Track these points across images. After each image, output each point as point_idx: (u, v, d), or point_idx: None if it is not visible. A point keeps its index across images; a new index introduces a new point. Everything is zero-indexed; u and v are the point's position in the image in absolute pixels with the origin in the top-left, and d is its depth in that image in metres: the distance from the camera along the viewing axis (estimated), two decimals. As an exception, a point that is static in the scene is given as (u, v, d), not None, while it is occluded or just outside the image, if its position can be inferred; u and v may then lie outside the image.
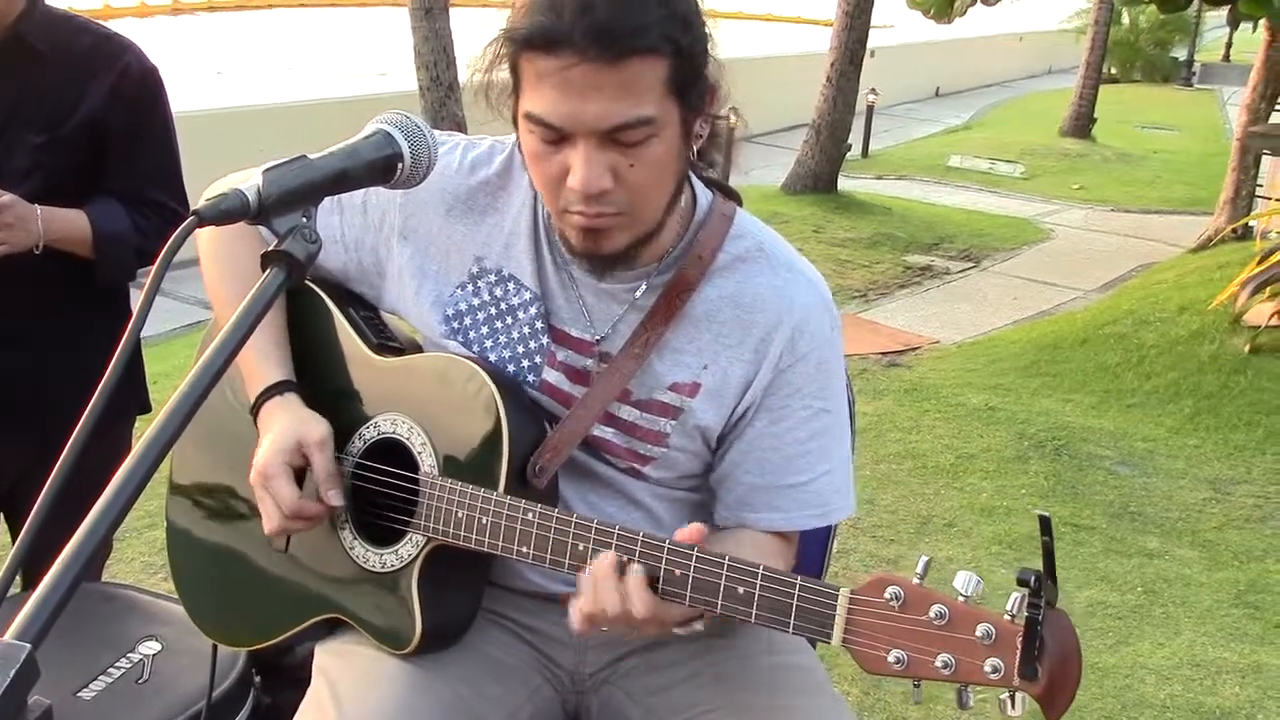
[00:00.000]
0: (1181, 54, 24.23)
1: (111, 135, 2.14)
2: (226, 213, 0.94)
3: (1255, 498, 4.71)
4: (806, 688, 1.54)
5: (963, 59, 22.16)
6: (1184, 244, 8.94)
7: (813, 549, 1.76)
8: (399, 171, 1.12)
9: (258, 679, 2.02)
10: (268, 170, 0.99)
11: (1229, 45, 27.30)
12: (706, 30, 1.39)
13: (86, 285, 2.17)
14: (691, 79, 1.35)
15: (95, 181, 2.16)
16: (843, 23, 9.95)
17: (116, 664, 1.97)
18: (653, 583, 1.32)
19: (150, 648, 2.02)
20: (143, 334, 0.91)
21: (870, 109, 13.56)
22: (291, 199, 0.98)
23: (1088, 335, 6.47)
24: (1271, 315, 6.05)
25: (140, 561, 3.63)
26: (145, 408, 2.44)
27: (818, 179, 10.22)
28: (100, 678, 1.93)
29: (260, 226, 1.02)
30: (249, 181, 0.99)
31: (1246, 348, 5.97)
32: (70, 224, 2.08)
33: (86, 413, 0.88)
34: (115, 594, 2.24)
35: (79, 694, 1.88)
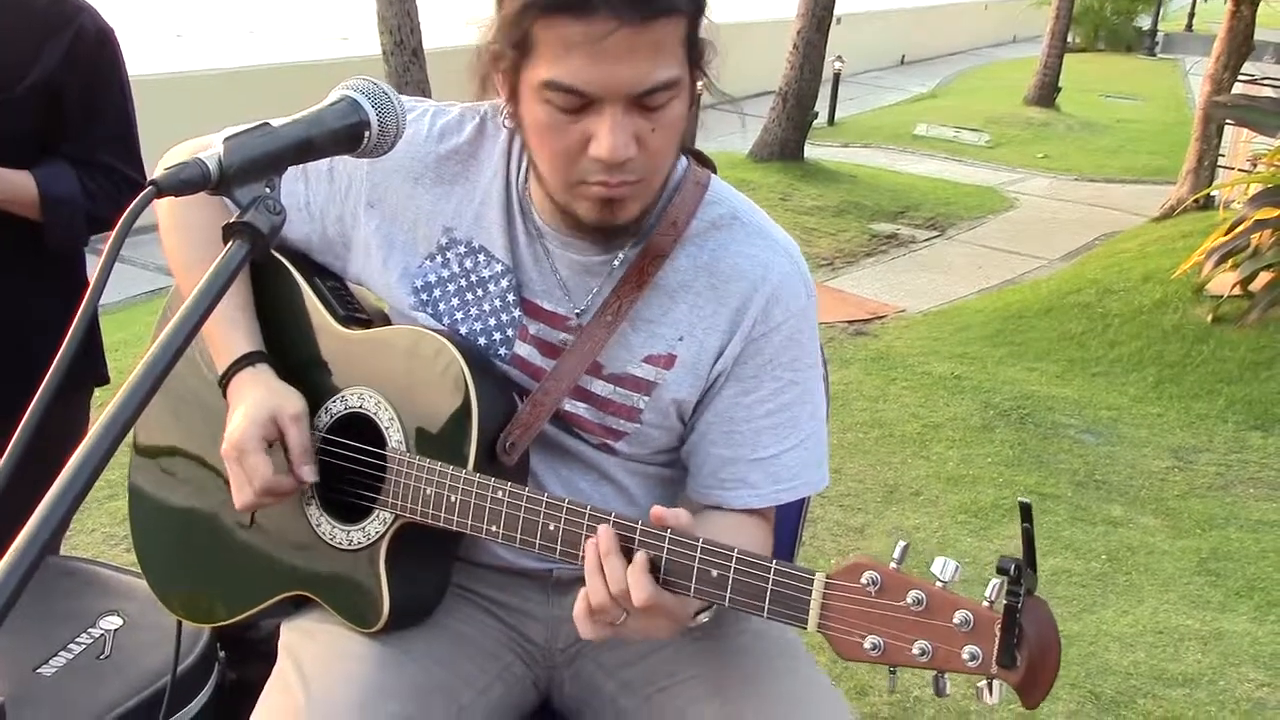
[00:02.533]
0: (1146, 23, 24.31)
1: (66, 97, 2.08)
2: (186, 183, 0.90)
3: (1217, 466, 4.75)
4: (784, 655, 1.52)
5: (929, 27, 22.16)
6: (1147, 213, 8.99)
7: (784, 525, 1.74)
8: (366, 140, 1.08)
9: (222, 654, 1.99)
10: (229, 139, 0.95)
11: (1191, 15, 27.46)
12: None
13: (38, 251, 2.12)
14: (698, 37, 1.33)
15: (46, 145, 2.10)
16: (809, -11, 9.89)
17: (77, 639, 1.94)
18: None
19: (112, 623, 1.99)
20: (101, 303, 0.87)
21: (836, 76, 13.52)
22: (254, 169, 0.94)
23: (1052, 304, 6.49)
24: (1234, 285, 6.09)
25: (101, 533, 3.58)
26: (103, 379, 2.40)
27: (784, 146, 10.19)
28: (60, 654, 1.90)
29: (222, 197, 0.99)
30: (210, 151, 0.95)
31: (1209, 317, 6.01)
32: (14, 186, 2.03)
33: (43, 385, 0.85)
34: (76, 568, 2.20)
35: (39, 670, 1.85)
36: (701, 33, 1.35)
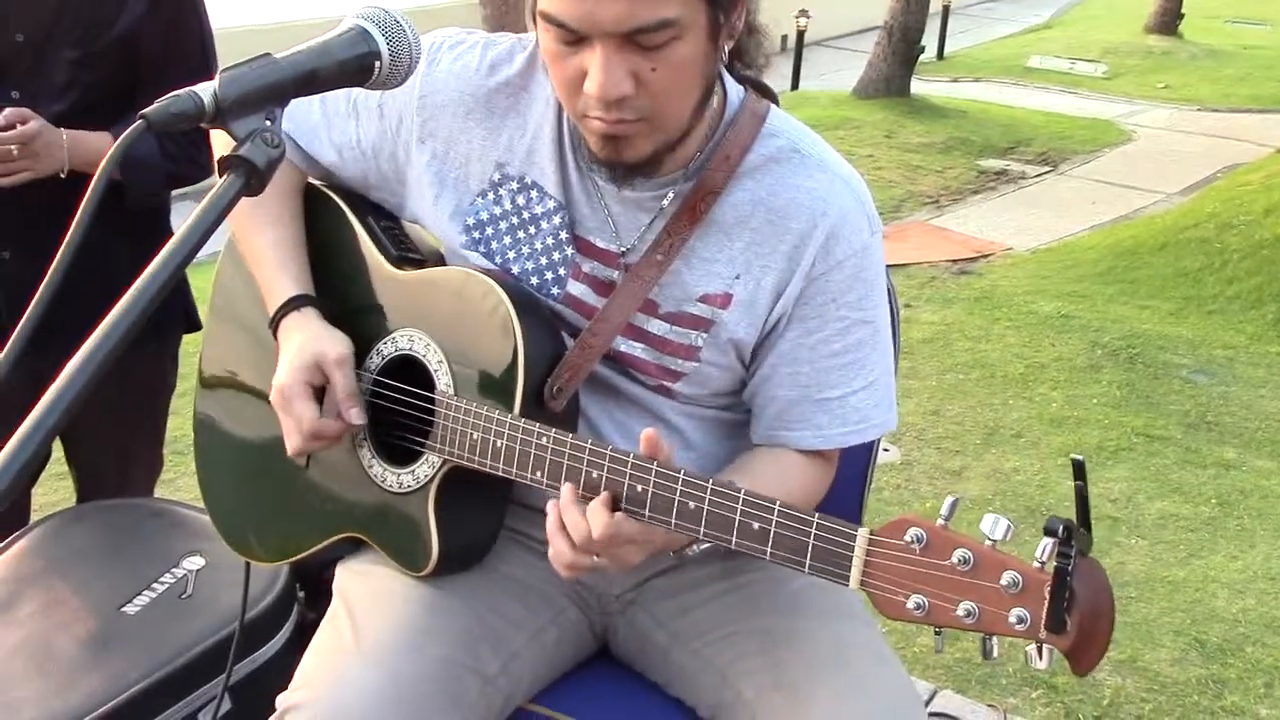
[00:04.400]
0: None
1: (145, 50, 2.09)
2: (178, 115, 0.88)
3: (1340, 406, 4.54)
4: (830, 610, 1.48)
5: (1045, -46, 21.39)
6: (1274, 144, 8.60)
7: (852, 469, 1.69)
8: (376, 71, 1.04)
9: (301, 594, 2.02)
10: (225, 70, 0.93)
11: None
12: None
13: (120, 208, 2.14)
14: None
15: (130, 101, 2.11)
16: (915, -81, 9.62)
17: (161, 579, 1.98)
18: (666, 510, 1.27)
19: (194, 563, 2.02)
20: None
21: (946, 9, 13.18)
22: (252, 100, 0.91)
23: (1167, 240, 6.25)
24: (1363, 216, 5.80)
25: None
26: (195, 325, 2.42)
27: (890, 83, 9.95)
28: (145, 592, 1.95)
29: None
30: (206, 83, 0.93)
31: (1336, 250, 5.74)
32: (95, 149, 2.04)
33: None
34: (163, 509, 2.25)
35: (123, 608, 1.90)
36: None
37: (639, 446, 1.28)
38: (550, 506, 1.31)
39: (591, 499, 1.28)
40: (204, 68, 2.18)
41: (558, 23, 1.25)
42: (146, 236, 2.24)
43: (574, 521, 1.28)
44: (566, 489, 1.30)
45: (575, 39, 1.26)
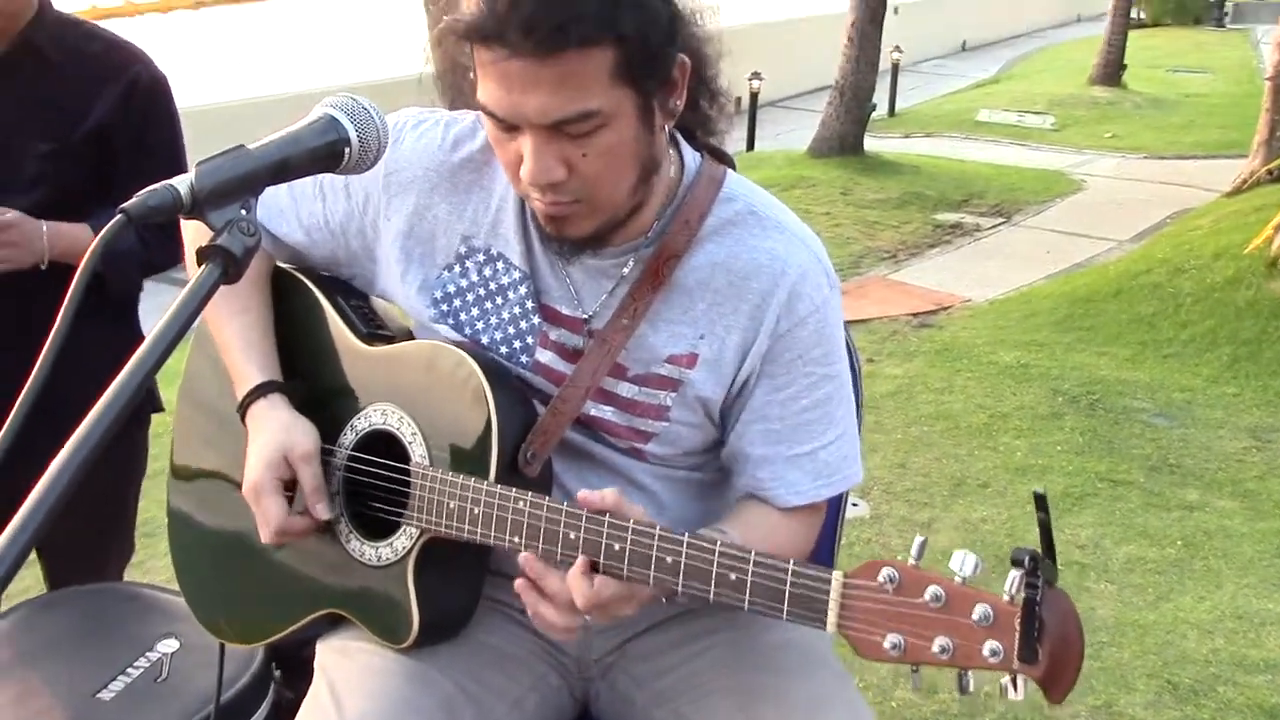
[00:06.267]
0: (1213, -5, 23.79)
1: (119, 145, 2.11)
2: (156, 209, 0.90)
3: (1297, 444, 4.62)
4: (808, 665, 1.50)
5: (989, 11, 21.85)
6: (1219, 188, 8.76)
7: (824, 521, 1.71)
8: (346, 157, 1.08)
9: (277, 673, 2.01)
10: (201, 163, 0.95)
11: (1262, -17, 26.76)
12: (673, 4, 1.34)
13: (97, 298, 2.14)
14: (647, 62, 1.30)
15: (102, 193, 2.12)
16: (862, -19, 9.81)
17: (135, 663, 1.97)
18: (645, 564, 1.29)
19: (169, 646, 2.01)
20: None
21: (895, 67, 13.41)
22: (227, 191, 0.94)
23: (1122, 286, 6.36)
24: (1310, 257, 5.92)
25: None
26: (158, 407, 2.43)
27: (844, 141, 10.10)
28: (119, 678, 1.93)
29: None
30: (183, 175, 0.95)
31: (1285, 291, 5.85)
32: (75, 240, 2.04)
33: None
34: (135, 593, 2.24)
35: (98, 695, 1.88)
36: (676, 49, 1.34)
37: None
38: (519, 584, 1.34)
39: (572, 560, 1.31)
40: (176, 158, 2.20)
41: (490, 114, 1.31)
42: (119, 325, 2.26)
43: (555, 590, 1.31)
44: (534, 563, 1.33)
45: (510, 126, 1.31)
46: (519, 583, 1.33)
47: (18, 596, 2.37)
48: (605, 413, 1.49)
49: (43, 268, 2.01)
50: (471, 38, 1.26)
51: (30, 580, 3.05)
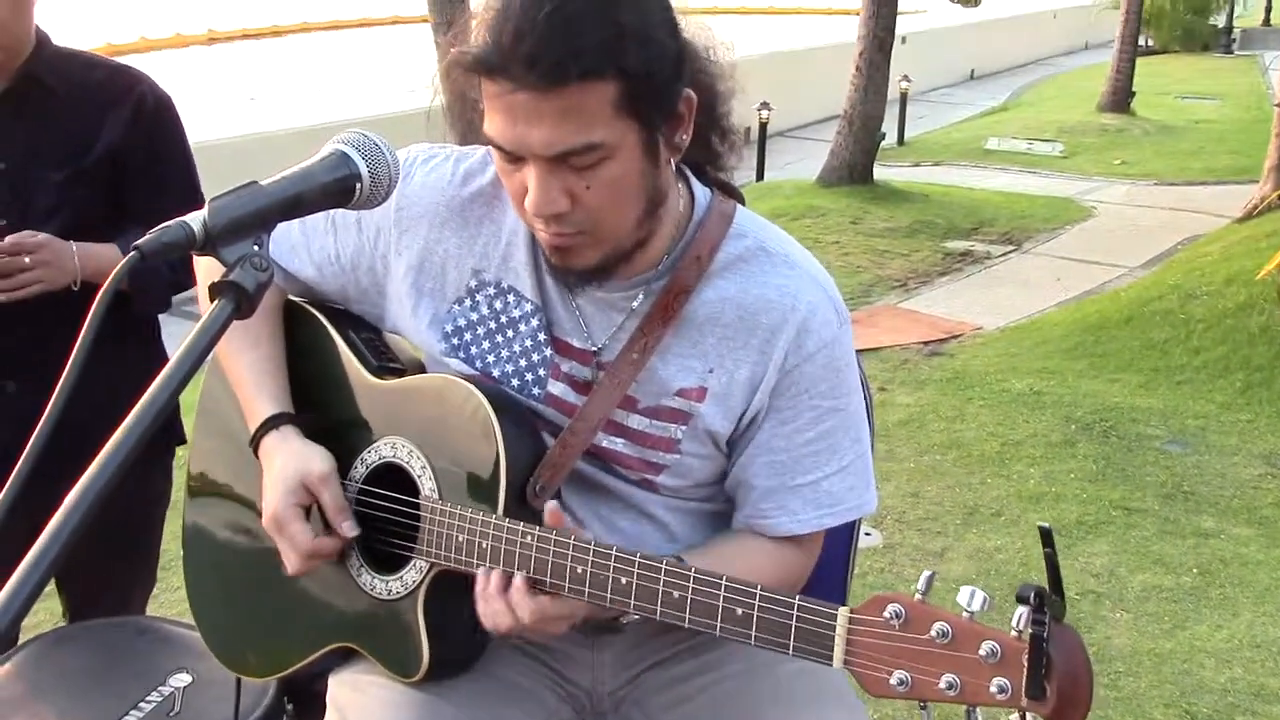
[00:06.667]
0: (1220, 21, 23.81)
1: (131, 166, 2.14)
2: (170, 245, 0.91)
3: (1312, 471, 4.60)
4: (822, 696, 1.49)
5: (997, 40, 21.94)
6: (1230, 214, 8.76)
7: (834, 554, 1.71)
8: (358, 192, 1.09)
9: (290, 706, 2.01)
10: (215, 199, 0.96)
11: (1268, 9, 26.82)
12: (681, 40, 1.36)
13: (122, 317, 2.16)
14: (652, 96, 1.31)
15: (120, 215, 2.15)
16: (869, 11, 9.85)
17: (147, 698, 1.97)
18: (646, 596, 1.29)
19: (181, 680, 2.01)
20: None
21: (904, 96, 13.46)
22: (240, 227, 0.95)
23: (1133, 313, 6.35)
24: (1322, 282, 5.91)
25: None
26: (180, 439, 2.44)
27: (853, 170, 10.12)
28: (131, 712, 1.93)
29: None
30: (195, 212, 0.96)
31: (1297, 317, 5.84)
32: (105, 259, 2.08)
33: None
34: (148, 627, 2.25)
35: (111, 730, 1.88)
36: (683, 84, 1.35)
37: (609, 536, 1.33)
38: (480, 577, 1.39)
39: (579, 595, 1.31)
40: (188, 174, 2.23)
41: (496, 145, 1.32)
42: (144, 346, 2.28)
43: (495, 610, 1.36)
44: (492, 578, 1.38)
45: (515, 158, 1.32)
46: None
47: (29, 631, 2.38)
48: (617, 444, 1.50)
49: (75, 288, 2.04)
50: (478, 70, 1.28)
51: (43, 614, 3.05)
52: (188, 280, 2.20)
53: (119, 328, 2.16)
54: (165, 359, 2.31)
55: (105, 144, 2.10)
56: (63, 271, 2.02)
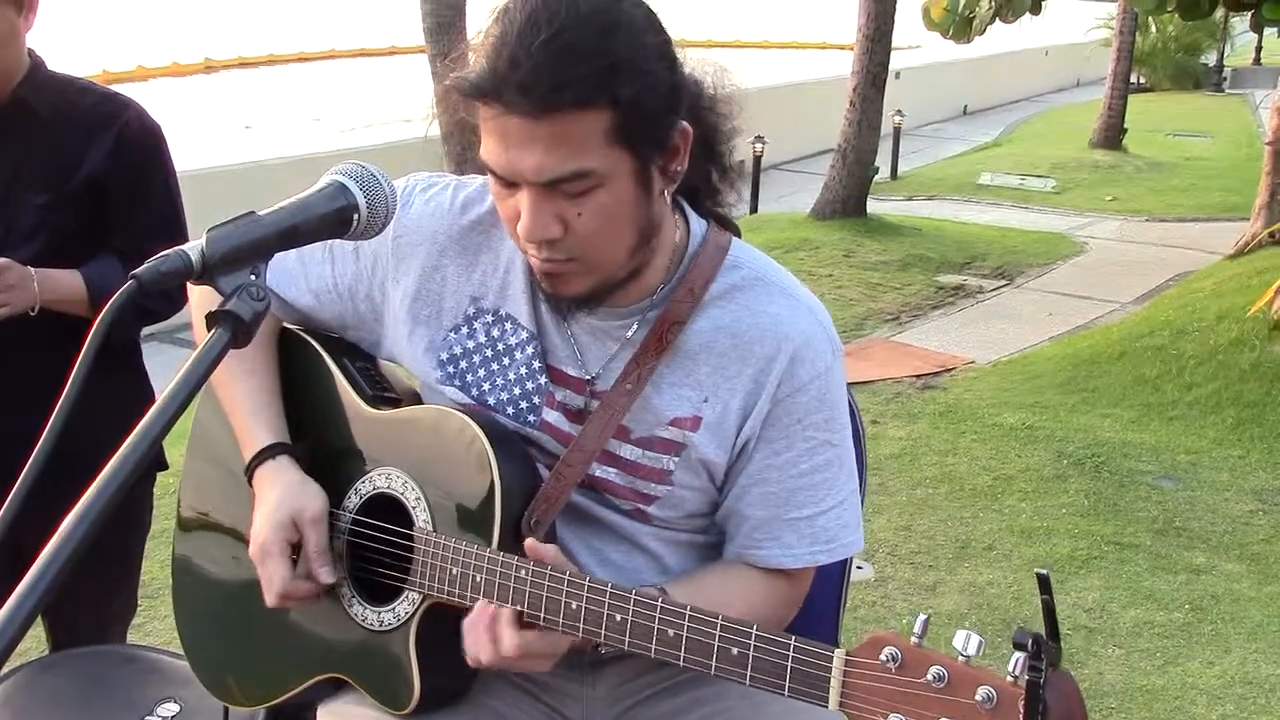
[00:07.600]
0: (1211, 59, 23.98)
1: (112, 192, 2.14)
2: (168, 274, 0.91)
3: (1304, 507, 4.60)
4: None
5: (989, 76, 22.04)
6: (1221, 251, 8.81)
7: (826, 588, 1.71)
8: (355, 223, 1.09)
9: (278, 736, 2.00)
10: (212, 229, 0.97)
11: (1259, 49, 27.02)
12: (679, 74, 1.37)
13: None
14: (644, 126, 1.32)
15: (99, 240, 2.15)
16: (863, 46, 9.90)
17: (135, 728, 1.96)
18: (645, 636, 1.28)
19: (169, 710, 2.00)
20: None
21: (897, 130, 13.51)
22: (237, 256, 0.95)
23: (1125, 348, 6.37)
24: (1313, 319, 5.94)
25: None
26: (162, 465, 2.43)
27: (846, 203, 10.15)
28: (118, 743, 1.92)
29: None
30: (194, 241, 0.97)
31: (1288, 354, 5.86)
32: (65, 285, 2.07)
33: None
34: (135, 655, 2.24)
35: (97, 761, 1.87)
36: (676, 116, 1.35)
37: (600, 568, 1.32)
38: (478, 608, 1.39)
39: (573, 631, 1.30)
40: (170, 204, 2.23)
41: (490, 170, 1.34)
42: (122, 371, 2.27)
43: (478, 640, 1.37)
44: (478, 607, 1.38)
45: (509, 183, 1.33)
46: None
47: (17, 658, 2.36)
48: (609, 474, 1.50)
49: (33, 313, 2.03)
50: (474, 95, 1.29)
51: (29, 641, 3.04)
52: (162, 308, 2.20)
53: (99, 363, 2.16)
54: (147, 384, 2.32)
55: (87, 170, 2.10)
56: (25, 295, 2.01)
